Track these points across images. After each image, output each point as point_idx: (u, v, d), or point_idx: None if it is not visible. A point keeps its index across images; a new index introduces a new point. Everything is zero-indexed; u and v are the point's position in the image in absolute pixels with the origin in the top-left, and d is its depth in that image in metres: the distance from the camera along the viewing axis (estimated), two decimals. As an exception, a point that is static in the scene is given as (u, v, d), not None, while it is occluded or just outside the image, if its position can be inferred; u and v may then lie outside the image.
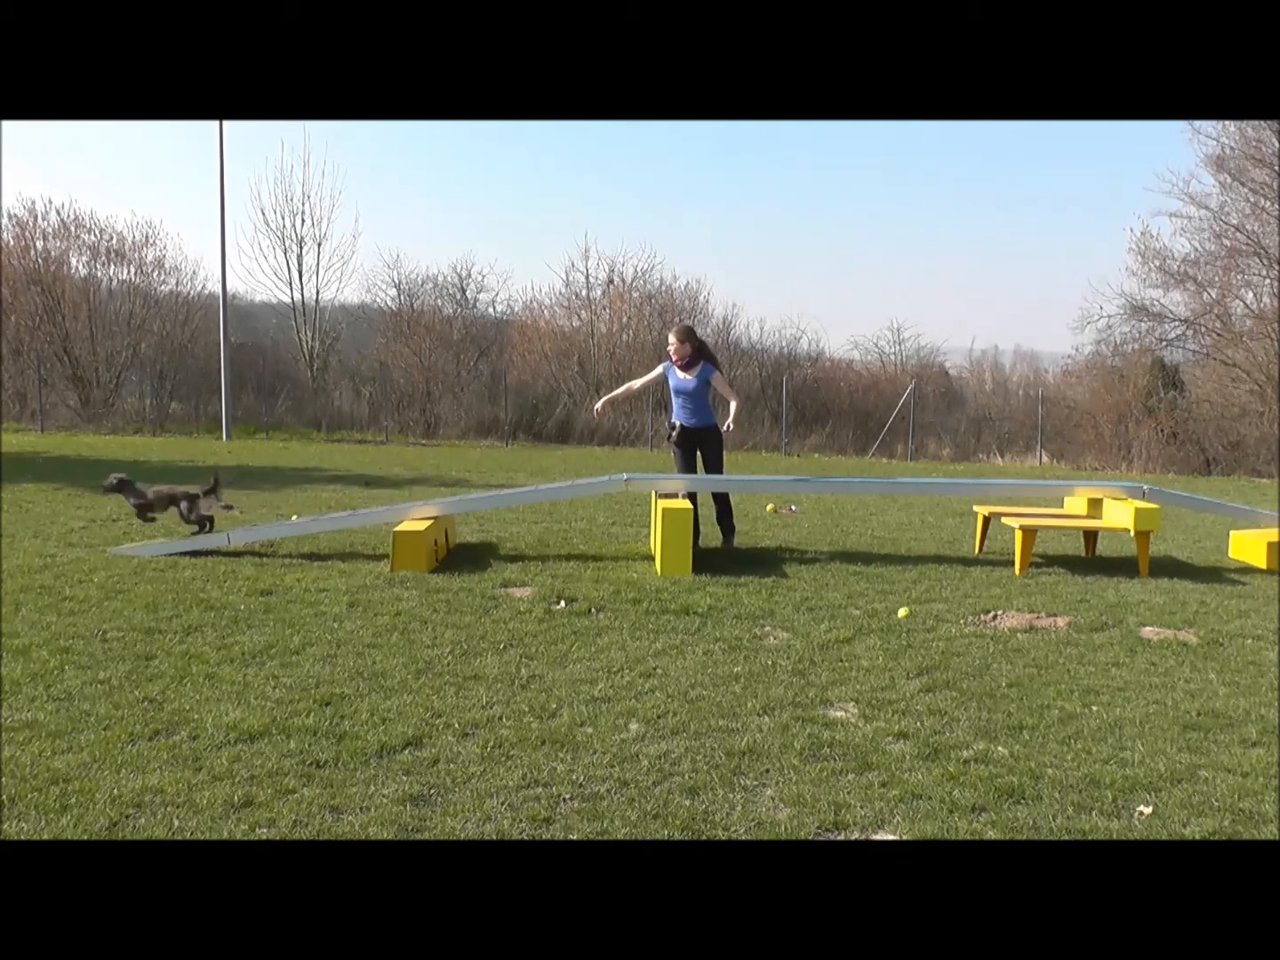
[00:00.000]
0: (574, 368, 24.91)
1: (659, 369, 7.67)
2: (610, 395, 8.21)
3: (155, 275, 25.31)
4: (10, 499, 9.40)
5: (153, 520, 7.06)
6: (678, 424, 7.42)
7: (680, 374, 7.38)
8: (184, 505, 6.85)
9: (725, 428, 7.34)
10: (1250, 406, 20.89)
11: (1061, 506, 8.22)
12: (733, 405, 7.33)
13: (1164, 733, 3.77)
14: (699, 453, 7.46)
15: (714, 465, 7.46)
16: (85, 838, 2.75)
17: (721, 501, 7.51)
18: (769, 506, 8.56)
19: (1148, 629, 5.36)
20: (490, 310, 29.29)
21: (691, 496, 7.21)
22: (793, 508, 8.54)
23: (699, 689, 4.17)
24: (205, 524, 6.90)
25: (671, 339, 7.48)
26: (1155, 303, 23.29)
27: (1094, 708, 4.05)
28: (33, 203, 30.81)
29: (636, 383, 8.31)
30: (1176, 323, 23.44)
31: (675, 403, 7.45)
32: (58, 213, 24.77)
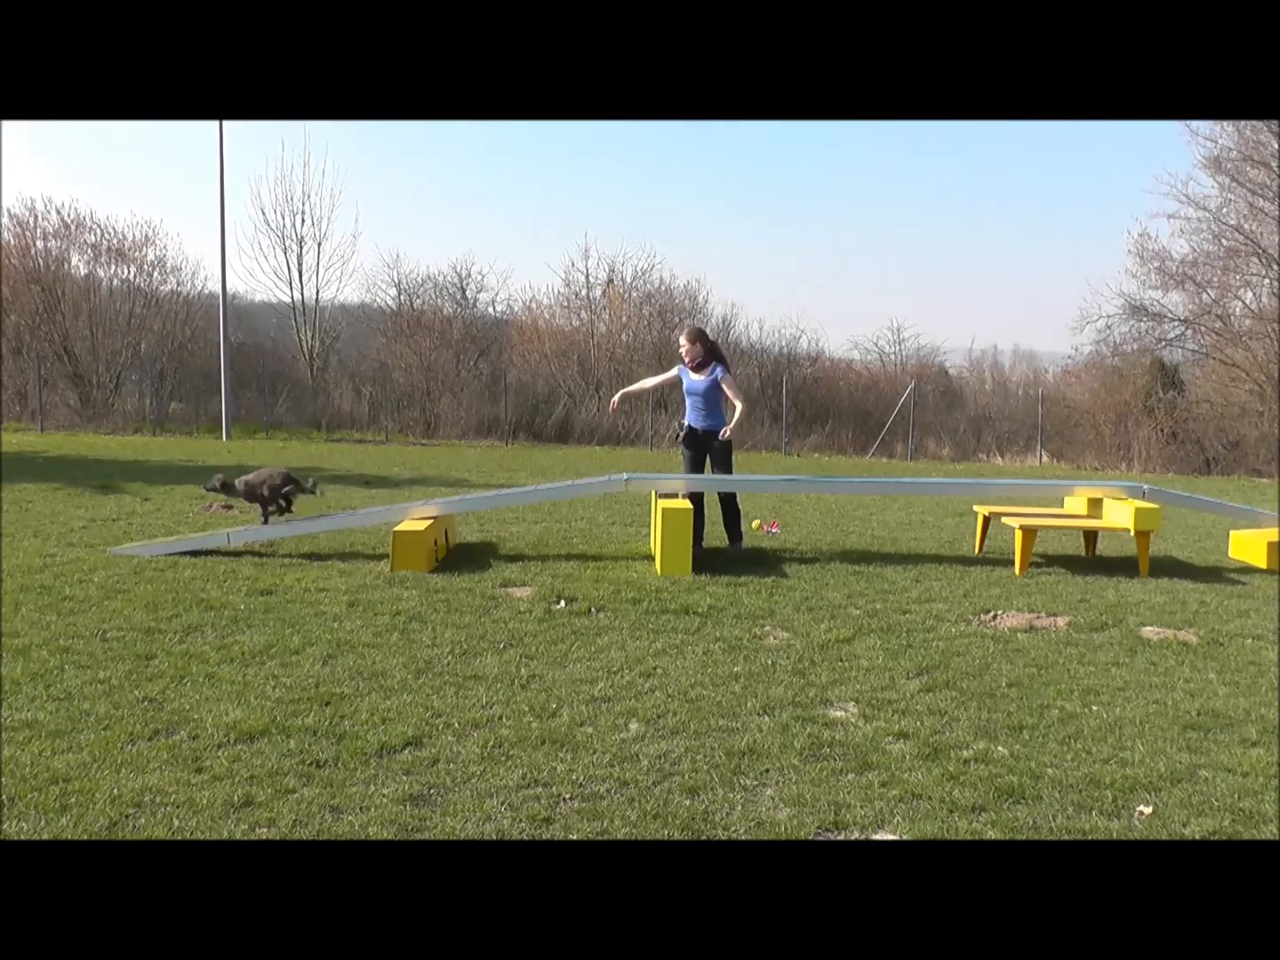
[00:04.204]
0: (574, 368, 24.91)
1: (674, 371, 7.65)
2: (625, 390, 8.16)
3: (155, 275, 25.37)
4: (10, 499, 9.39)
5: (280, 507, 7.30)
6: (687, 425, 7.41)
7: (692, 375, 7.38)
8: (266, 492, 7.13)
9: (723, 434, 7.24)
10: (1250, 406, 20.90)
11: (1061, 506, 8.22)
12: (738, 409, 7.30)
13: (1164, 733, 3.77)
14: (708, 457, 7.45)
15: (724, 469, 7.44)
16: (85, 838, 2.75)
17: (729, 507, 7.44)
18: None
19: (1148, 629, 5.36)
20: (490, 310, 29.34)
21: (696, 497, 7.20)
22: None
23: (699, 689, 4.17)
24: (285, 507, 7.17)
25: (681, 341, 7.47)
26: (1155, 303, 23.34)
27: (1094, 708, 4.06)
28: (33, 202, 30.82)
29: (650, 381, 8.32)
30: (1176, 323, 23.45)
31: (688, 403, 7.45)
32: (58, 212, 24.83)
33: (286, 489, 7.10)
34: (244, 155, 57.95)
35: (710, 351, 7.41)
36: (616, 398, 7.96)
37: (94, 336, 24.01)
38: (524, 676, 4.28)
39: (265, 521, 7.09)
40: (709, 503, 7.52)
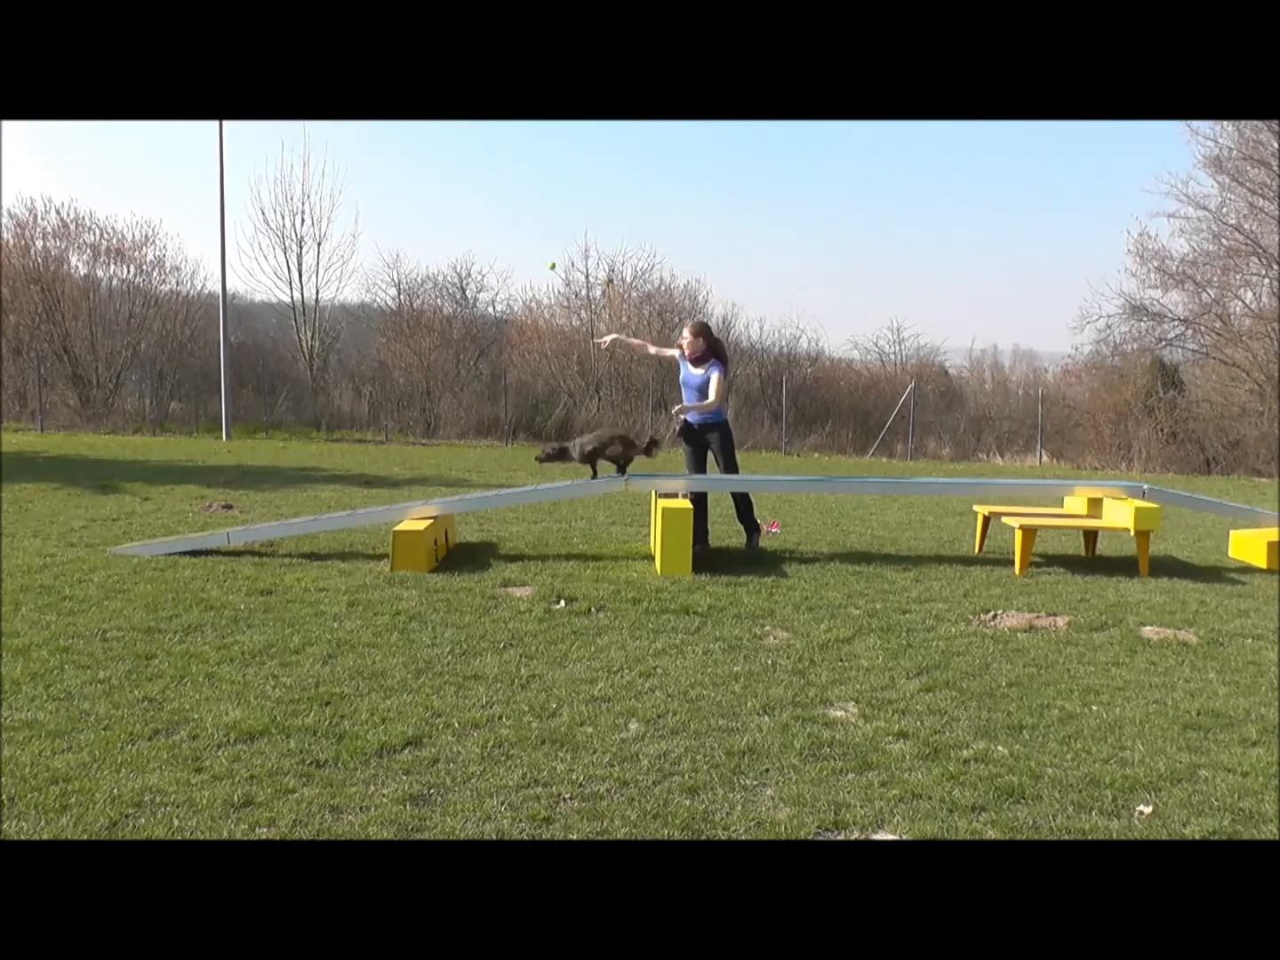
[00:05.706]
0: (574, 368, 24.89)
1: (673, 352, 7.63)
2: (623, 339, 8.15)
3: (155, 275, 25.34)
4: (10, 499, 9.39)
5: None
6: (683, 419, 7.42)
7: (690, 368, 7.38)
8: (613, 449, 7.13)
9: (675, 411, 7.30)
10: (1250, 406, 20.90)
11: (1061, 506, 8.22)
12: (710, 398, 7.17)
13: (1164, 732, 3.77)
14: (710, 450, 7.44)
15: (727, 460, 7.40)
16: (85, 838, 2.75)
17: (741, 500, 7.46)
18: None
19: (1148, 629, 5.36)
20: (490, 310, 29.32)
21: (697, 496, 7.19)
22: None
23: (699, 689, 4.17)
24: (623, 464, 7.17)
25: (685, 333, 7.46)
26: (1155, 302, 23.35)
27: (1094, 707, 4.06)
28: (32, 202, 30.77)
29: (650, 347, 8.21)
30: (1176, 322, 23.46)
31: (683, 396, 7.46)
32: (57, 212, 24.80)
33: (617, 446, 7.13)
34: (244, 155, 58.09)
35: (712, 348, 7.40)
36: (609, 338, 7.96)
37: (94, 336, 23.98)
38: (524, 676, 4.28)
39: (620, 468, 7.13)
40: (714, 500, 7.51)
